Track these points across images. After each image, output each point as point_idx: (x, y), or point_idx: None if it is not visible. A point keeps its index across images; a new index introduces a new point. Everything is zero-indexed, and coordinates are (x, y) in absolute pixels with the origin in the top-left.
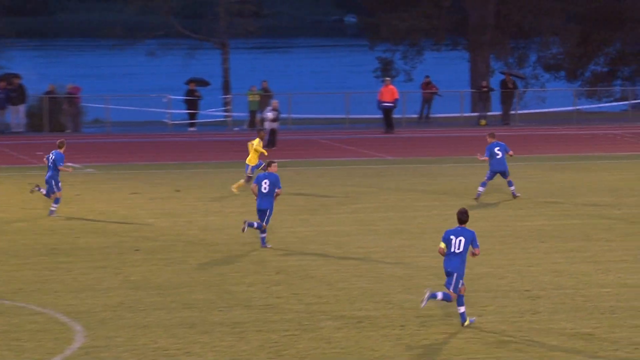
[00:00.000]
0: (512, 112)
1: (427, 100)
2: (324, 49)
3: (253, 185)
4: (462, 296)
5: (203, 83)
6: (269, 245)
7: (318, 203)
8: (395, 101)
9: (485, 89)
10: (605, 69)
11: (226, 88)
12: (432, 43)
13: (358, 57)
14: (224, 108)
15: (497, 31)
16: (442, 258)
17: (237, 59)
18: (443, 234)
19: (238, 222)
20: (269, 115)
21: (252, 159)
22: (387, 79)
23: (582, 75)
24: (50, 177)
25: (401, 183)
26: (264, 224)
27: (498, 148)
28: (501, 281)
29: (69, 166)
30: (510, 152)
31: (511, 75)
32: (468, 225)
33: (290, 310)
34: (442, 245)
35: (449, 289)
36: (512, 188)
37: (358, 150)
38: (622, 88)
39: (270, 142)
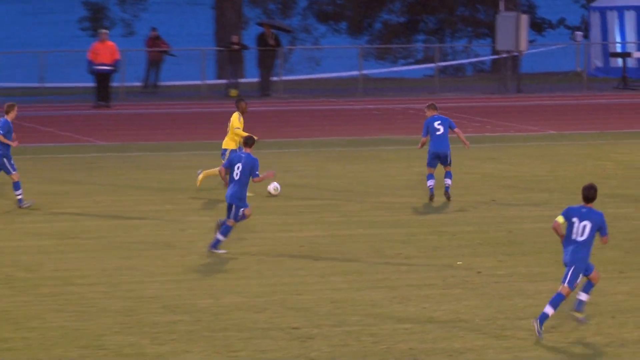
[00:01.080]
0: (274, 78)
1: (154, 63)
2: None
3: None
4: (591, 284)
5: None
6: (220, 251)
7: None
8: (115, 63)
9: (236, 47)
10: (402, 20)
11: None
12: None
13: (52, 2)
14: None
15: None
16: None
17: None
18: (566, 209)
19: None
20: None
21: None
22: (104, 31)
23: (370, 28)
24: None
25: (119, 178)
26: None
27: (439, 122)
28: (258, 316)
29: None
30: (464, 140)
31: (273, 27)
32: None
33: None
34: (560, 220)
35: (563, 283)
36: (448, 182)
37: (58, 132)
38: (426, 46)
39: None
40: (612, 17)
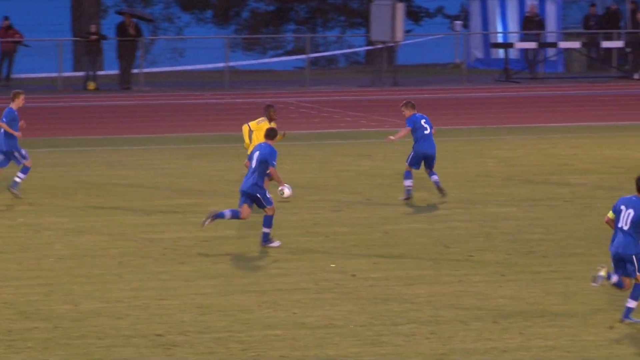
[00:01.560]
0: (135, 70)
1: (7, 54)
2: None
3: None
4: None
5: None
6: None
7: None
8: None
9: (94, 37)
10: (271, 8)
11: None
12: None
13: None
14: None
15: None
16: None
17: None
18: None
19: None
20: None
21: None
22: None
23: (237, 17)
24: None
25: None
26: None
27: (424, 121)
28: (120, 322)
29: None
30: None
31: (133, 16)
32: None
33: None
34: (611, 215)
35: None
36: (435, 178)
37: None
38: (296, 36)
39: None
40: (493, 6)
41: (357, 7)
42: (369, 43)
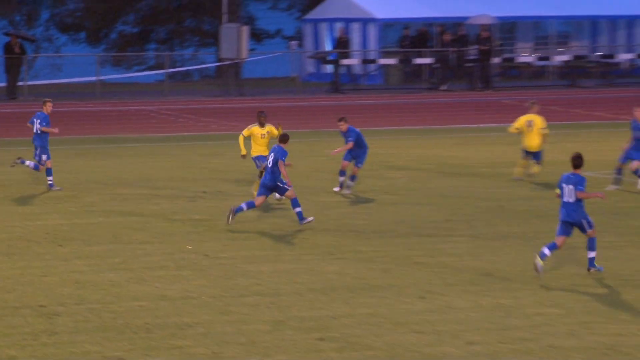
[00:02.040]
0: (20, 83)
1: None
2: None
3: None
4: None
5: None
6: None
7: None
8: None
9: None
10: (135, 30)
11: None
12: None
13: None
14: None
15: None
16: None
17: None
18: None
19: None
20: None
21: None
22: None
23: (106, 38)
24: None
25: None
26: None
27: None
28: (9, 295)
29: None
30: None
31: (18, 37)
32: None
33: None
34: (557, 191)
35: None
36: (350, 182)
37: None
38: (157, 53)
39: None
40: (323, 29)
41: (208, 29)
42: (219, 60)
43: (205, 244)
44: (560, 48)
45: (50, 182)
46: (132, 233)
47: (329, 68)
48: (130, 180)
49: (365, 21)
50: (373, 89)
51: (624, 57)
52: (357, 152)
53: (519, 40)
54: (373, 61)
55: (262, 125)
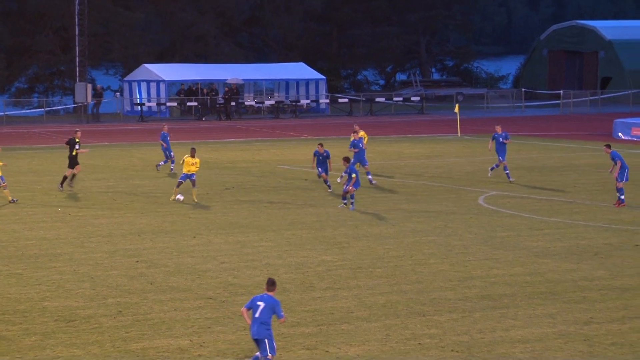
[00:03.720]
0: None
1: None
2: None
3: None
4: None
5: None
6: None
7: None
8: None
9: None
10: (26, 86)
11: None
12: None
13: None
14: None
15: None
16: None
17: None
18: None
19: None
20: None
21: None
22: None
23: (9, 90)
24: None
25: None
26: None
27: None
28: None
29: None
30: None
31: None
32: None
33: None
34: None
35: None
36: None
37: None
38: (39, 99)
39: None
40: (135, 85)
41: (68, 85)
42: (74, 102)
43: (69, 209)
44: (268, 96)
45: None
46: (26, 203)
47: (138, 107)
48: (21, 171)
49: (159, 81)
50: (163, 119)
51: (304, 101)
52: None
53: (246, 92)
54: (164, 104)
55: (192, 156)
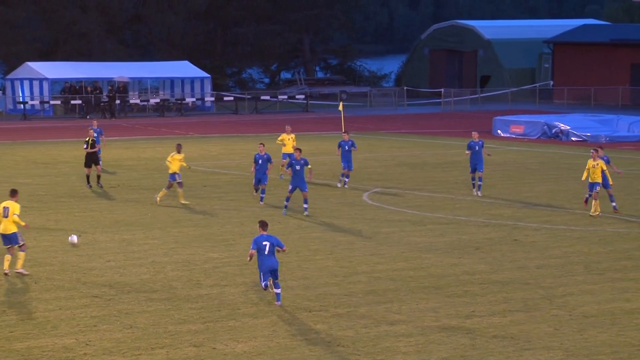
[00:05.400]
0: None
1: None
2: None
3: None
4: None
5: None
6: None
7: None
8: None
9: None
10: None
11: None
12: None
13: None
14: None
15: None
16: None
17: None
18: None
19: None
20: None
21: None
22: None
23: None
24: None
25: None
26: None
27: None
28: None
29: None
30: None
31: None
32: None
33: None
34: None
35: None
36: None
37: None
38: None
39: None
40: (17, 84)
41: None
42: None
43: None
44: (153, 95)
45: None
46: None
47: (21, 105)
48: None
49: (42, 79)
50: (47, 118)
51: (189, 99)
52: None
53: (130, 90)
54: (47, 102)
55: (179, 152)
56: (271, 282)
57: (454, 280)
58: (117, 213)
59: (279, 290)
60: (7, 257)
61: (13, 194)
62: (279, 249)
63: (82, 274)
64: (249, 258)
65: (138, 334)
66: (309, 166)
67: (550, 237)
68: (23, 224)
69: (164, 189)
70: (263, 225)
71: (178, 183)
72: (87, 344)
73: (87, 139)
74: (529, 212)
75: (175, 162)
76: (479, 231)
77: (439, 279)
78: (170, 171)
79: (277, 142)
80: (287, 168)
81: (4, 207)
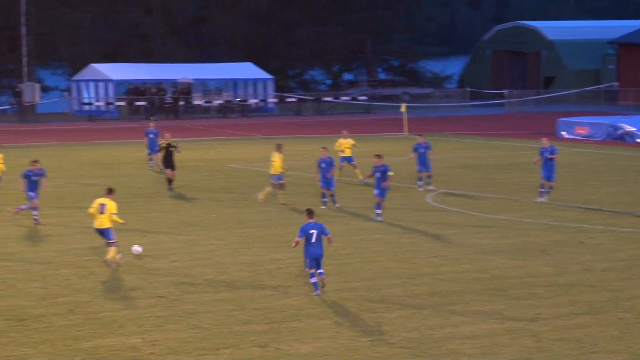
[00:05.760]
0: None
1: None
2: None
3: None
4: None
5: None
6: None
7: None
8: None
9: None
10: None
11: None
12: None
13: None
14: None
15: None
16: None
17: None
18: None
19: None
20: None
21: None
22: None
23: None
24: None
25: None
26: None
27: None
28: None
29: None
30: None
31: None
32: None
33: None
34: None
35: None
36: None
37: None
38: None
39: None
40: (82, 85)
41: (16, 83)
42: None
43: None
44: (217, 96)
45: None
46: None
47: (87, 106)
48: None
49: (106, 81)
50: (112, 119)
51: (252, 101)
52: None
53: (194, 91)
54: (112, 103)
55: (279, 151)
56: (315, 272)
57: (519, 283)
58: (182, 213)
59: (315, 280)
60: (112, 248)
61: (110, 192)
62: (326, 236)
63: (148, 274)
64: (294, 244)
65: (203, 334)
66: (391, 172)
67: (616, 240)
68: (121, 221)
69: (268, 188)
70: (310, 213)
71: (280, 184)
72: (153, 344)
73: (160, 143)
74: (594, 215)
75: (278, 162)
76: (543, 233)
77: (503, 281)
78: (273, 171)
79: (336, 147)
80: (369, 175)
81: (100, 204)
